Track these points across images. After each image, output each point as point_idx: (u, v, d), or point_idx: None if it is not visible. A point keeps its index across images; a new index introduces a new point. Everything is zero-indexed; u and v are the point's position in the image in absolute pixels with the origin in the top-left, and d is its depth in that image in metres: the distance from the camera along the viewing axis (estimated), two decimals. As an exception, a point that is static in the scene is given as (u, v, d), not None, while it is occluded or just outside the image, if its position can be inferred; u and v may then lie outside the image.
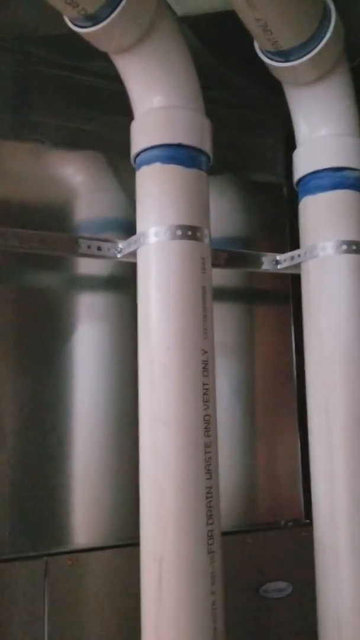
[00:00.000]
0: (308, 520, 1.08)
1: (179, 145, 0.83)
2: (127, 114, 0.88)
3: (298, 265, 0.98)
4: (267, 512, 1.08)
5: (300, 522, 1.09)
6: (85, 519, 0.95)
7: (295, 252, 0.98)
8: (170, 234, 0.81)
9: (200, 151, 0.85)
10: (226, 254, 0.98)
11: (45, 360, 0.96)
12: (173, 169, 0.83)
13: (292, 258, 0.98)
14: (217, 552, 0.78)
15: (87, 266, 1.03)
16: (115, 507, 0.96)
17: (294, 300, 1.15)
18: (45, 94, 1.01)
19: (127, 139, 0.88)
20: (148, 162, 0.84)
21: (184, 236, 0.81)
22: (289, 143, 1.18)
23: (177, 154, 0.83)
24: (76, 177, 1.03)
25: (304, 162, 0.97)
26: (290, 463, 1.11)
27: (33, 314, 0.97)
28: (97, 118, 1.05)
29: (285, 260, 1.00)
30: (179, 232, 0.81)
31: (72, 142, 1.02)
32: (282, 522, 1.09)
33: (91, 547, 0.94)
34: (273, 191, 1.19)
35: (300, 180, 0.98)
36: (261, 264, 1.01)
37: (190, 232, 0.81)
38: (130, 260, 0.91)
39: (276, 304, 1.16)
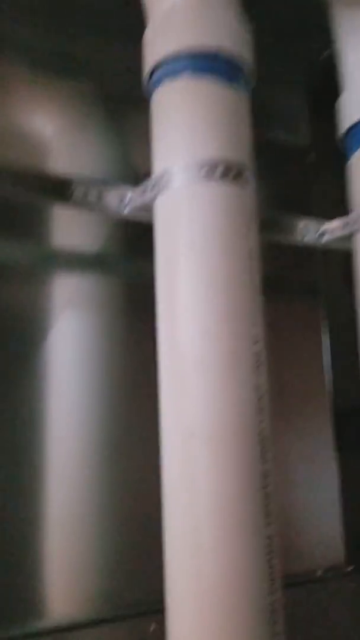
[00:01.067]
0: (352, 567, 0.85)
1: (216, 53, 0.60)
2: (126, 38, 0.65)
3: (347, 238, 0.77)
4: (299, 560, 0.84)
5: (342, 570, 0.85)
6: (68, 584, 0.67)
7: (347, 219, 0.76)
8: (207, 171, 0.57)
9: (241, 65, 0.62)
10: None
11: (11, 366, 0.69)
12: (209, 82, 0.59)
13: (344, 225, 0.76)
14: (281, 636, 0.53)
15: (68, 235, 0.76)
16: (109, 566, 0.68)
17: (326, 290, 0.93)
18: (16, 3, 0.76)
19: (125, 71, 0.64)
20: (174, 73, 0.59)
21: (225, 176, 0.57)
22: (313, 105, 0.99)
23: (214, 63, 0.59)
24: (55, 117, 0.77)
25: (356, 107, 0.76)
26: (326, 495, 0.87)
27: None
28: (87, 39, 0.80)
29: (334, 230, 0.77)
30: (219, 170, 0.57)
31: (51, 68, 0.77)
32: (319, 572, 0.84)
33: (77, 623, 0.66)
34: (297, 155, 0.97)
35: (350, 129, 0.76)
36: (303, 234, 0.78)
37: (235, 172, 0.57)
38: (139, 217, 0.66)
39: (300, 298, 0.94)
